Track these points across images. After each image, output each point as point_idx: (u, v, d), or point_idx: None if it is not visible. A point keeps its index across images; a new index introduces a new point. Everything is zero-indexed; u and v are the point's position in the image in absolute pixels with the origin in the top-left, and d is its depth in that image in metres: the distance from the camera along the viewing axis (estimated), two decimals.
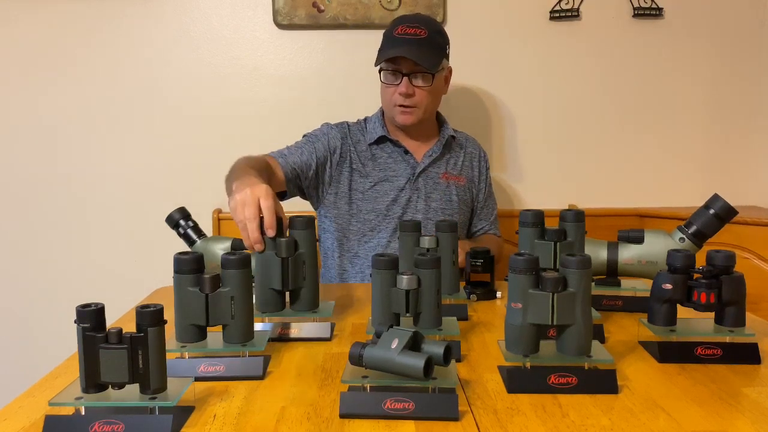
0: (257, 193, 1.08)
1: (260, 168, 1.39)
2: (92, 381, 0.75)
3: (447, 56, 1.68)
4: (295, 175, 1.60)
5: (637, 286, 1.24)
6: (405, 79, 1.60)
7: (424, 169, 1.70)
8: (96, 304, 0.77)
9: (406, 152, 1.70)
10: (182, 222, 1.28)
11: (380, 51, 1.64)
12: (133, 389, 0.76)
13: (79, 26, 2.05)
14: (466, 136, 1.84)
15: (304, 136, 1.71)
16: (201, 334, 0.94)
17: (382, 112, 1.76)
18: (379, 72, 1.64)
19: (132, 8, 2.05)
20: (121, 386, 0.76)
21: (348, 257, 1.68)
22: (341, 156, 1.67)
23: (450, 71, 1.74)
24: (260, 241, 1.06)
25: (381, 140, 1.70)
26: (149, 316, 0.75)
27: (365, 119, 1.78)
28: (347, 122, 1.75)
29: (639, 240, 1.15)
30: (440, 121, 1.79)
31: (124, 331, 0.75)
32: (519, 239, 1.15)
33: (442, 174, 1.72)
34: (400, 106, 1.63)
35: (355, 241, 1.67)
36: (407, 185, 1.68)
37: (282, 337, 1.07)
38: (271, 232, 1.06)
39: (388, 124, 1.73)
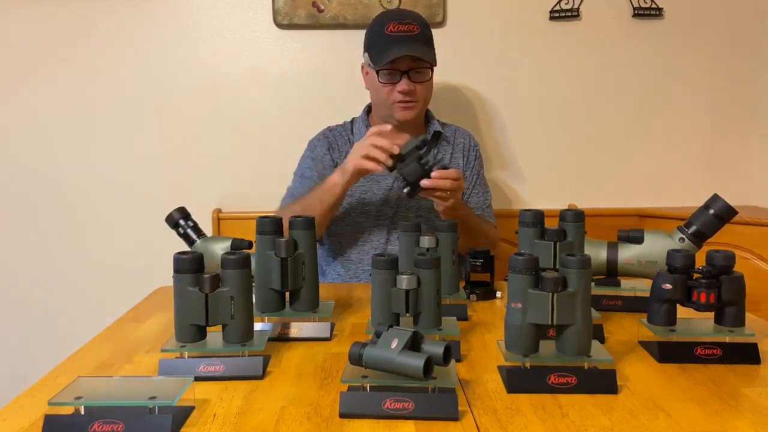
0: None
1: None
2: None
3: None
4: None
5: (637, 286, 1.24)
6: (405, 77, 1.58)
7: None
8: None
9: None
10: (182, 222, 1.28)
11: (376, 51, 1.60)
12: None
13: (79, 26, 2.05)
14: (455, 129, 1.80)
15: (301, 164, 1.70)
16: (201, 334, 0.94)
17: (366, 112, 1.75)
18: (376, 72, 1.60)
19: (132, 8, 2.05)
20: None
21: (341, 261, 1.66)
22: (331, 166, 1.65)
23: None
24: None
25: None
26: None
27: (352, 121, 1.78)
28: (328, 129, 1.75)
29: (639, 240, 1.15)
30: (428, 117, 1.77)
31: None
32: (519, 239, 1.15)
33: None
34: (401, 102, 1.61)
35: (348, 245, 1.66)
36: (395, 184, 1.65)
37: (282, 337, 1.07)
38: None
39: (374, 125, 1.67)
